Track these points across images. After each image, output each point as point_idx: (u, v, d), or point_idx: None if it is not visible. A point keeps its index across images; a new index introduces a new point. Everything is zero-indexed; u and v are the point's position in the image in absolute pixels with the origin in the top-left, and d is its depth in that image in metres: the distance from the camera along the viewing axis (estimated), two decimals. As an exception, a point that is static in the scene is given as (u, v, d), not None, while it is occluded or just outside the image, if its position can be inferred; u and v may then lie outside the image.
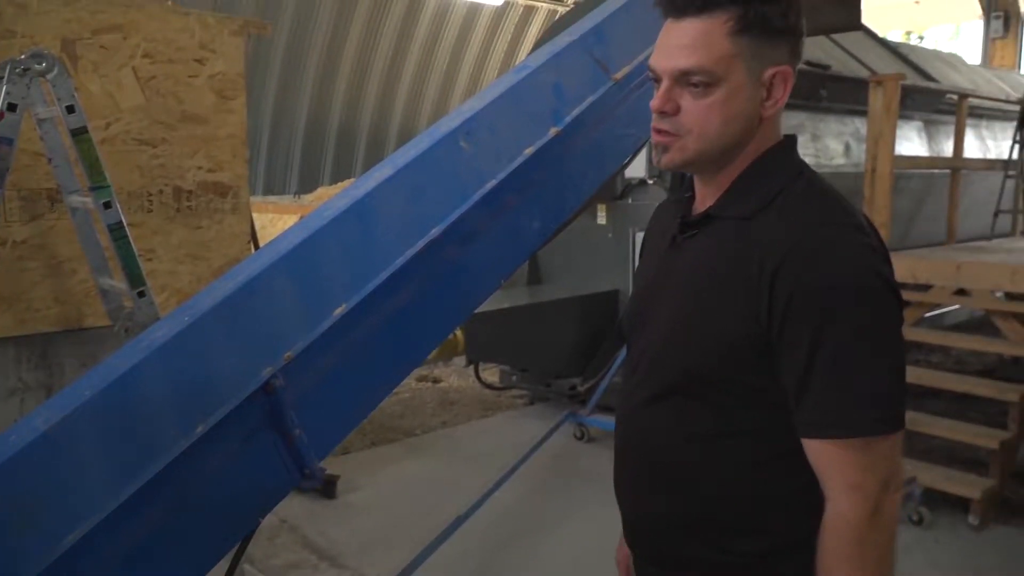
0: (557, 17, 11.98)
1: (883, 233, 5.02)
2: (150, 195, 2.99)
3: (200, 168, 3.05)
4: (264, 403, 1.33)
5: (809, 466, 1.16)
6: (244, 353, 1.31)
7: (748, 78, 1.18)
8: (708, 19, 1.16)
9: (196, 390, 1.26)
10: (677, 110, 1.20)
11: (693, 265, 1.26)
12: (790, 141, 1.30)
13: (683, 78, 1.18)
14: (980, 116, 7.28)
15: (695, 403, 1.23)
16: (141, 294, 2.50)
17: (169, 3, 3.16)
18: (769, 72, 1.19)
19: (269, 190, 11.46)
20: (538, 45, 6.06)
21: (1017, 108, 6.53)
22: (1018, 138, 6.21)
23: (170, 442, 1.19)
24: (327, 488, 4.30)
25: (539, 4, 13.51)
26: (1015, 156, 6.28)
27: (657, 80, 1.23)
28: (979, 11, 14.84)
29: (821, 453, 1.14)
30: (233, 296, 1.33)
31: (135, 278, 2.49)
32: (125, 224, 2.46)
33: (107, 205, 2.44)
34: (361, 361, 1.55)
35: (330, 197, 1.62)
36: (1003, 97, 7.43)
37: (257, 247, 3.38)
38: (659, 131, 1.23)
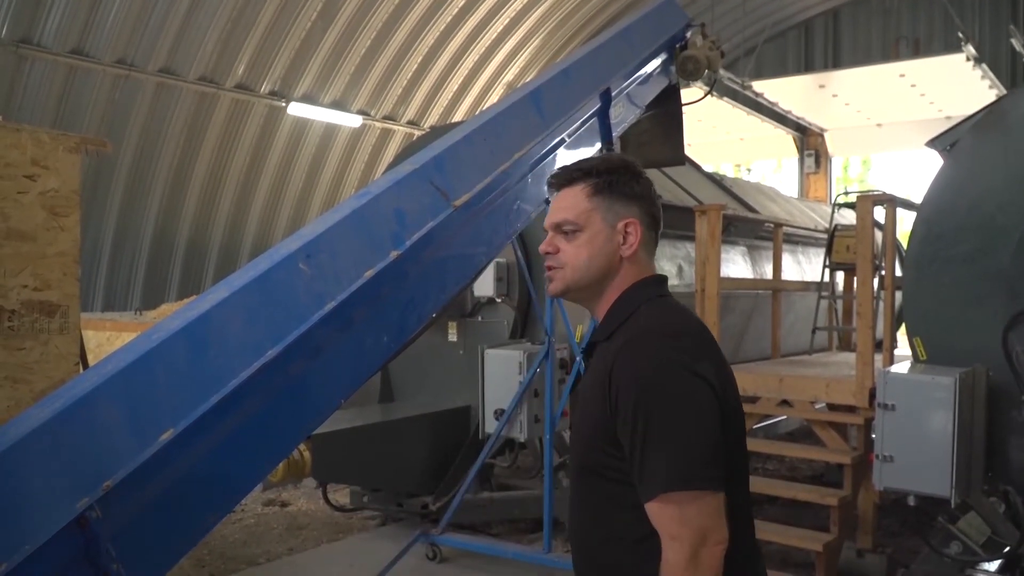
0: (415, 138, 12.36)
1: (715, 349, 5.37)
2: (-34, 315, 2.80)
3: (25, 287, 2.90)
4: (78, 537, 1.26)
5: None
6: (58, 484, 1.25)
7: (604, 226, 1.62)
8: (573, 188, 1.65)
9: (1, 525, 1.18)
10: (557, 250, 1.64)
11: (586, 381, 1.67)
12: (655, 278, 1.66)
13: (558, 228, 1.64)
14: (796, 243, 8.05)
15: (592, 488, 1.57)
16: (-52, 421, 2.31)
17: (-1, 119, 3.06)
18: (622, 223, 1.61)
19: (108, 306, 10.83)
20: (392, 167, 6.23)
21: (826, 236, 7.28)
22: (827, 263, 6.90)
23: (-32, 583, 1.12)
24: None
25: (396, 127, 13.91)
26: (826, 279, 6.96)
27: (548, 233, 1.67)
28: (795, 149, 16.60)
29: (651, 513, 1.43)
30: (50, 422, 1.28)
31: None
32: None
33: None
34: (191, 486, 1.51)
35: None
36: (813, 227, 8.26)
37: (86, 368, 3.20)
38: (548, 267, 1.66)
